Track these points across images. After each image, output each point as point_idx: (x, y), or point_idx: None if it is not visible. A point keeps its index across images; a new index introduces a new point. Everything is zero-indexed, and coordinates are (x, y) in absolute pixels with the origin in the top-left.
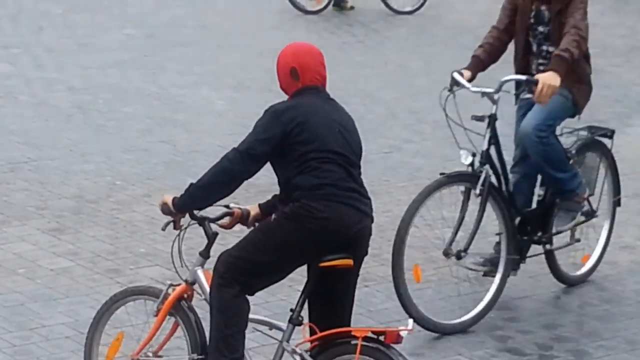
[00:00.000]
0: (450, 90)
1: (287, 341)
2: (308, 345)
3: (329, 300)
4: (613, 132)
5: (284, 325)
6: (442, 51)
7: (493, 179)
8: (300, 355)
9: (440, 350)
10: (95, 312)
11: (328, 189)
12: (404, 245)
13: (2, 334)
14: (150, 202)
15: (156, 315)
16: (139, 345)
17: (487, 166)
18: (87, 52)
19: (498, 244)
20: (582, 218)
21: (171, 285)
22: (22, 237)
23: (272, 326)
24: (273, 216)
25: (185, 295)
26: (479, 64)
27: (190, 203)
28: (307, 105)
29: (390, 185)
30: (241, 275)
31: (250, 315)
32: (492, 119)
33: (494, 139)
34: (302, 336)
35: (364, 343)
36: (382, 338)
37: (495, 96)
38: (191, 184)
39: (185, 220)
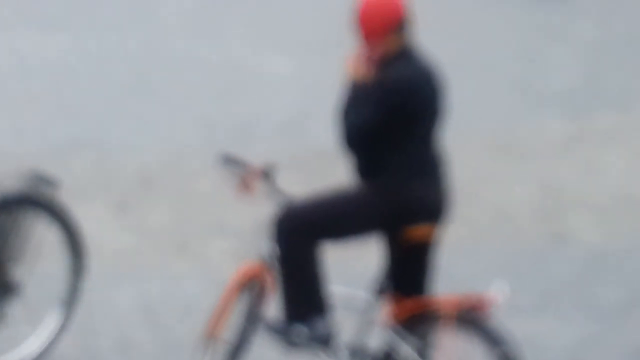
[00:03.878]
0: None
1: (371, 313)
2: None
3: (411, 266)
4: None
5: (364, 295)
6: None
7: None
8: (393, 329)
9: None
10: (163, 289)
11: None
12: None
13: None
14: (216, 173)
15: None
16: None
17: None
18: (147, 22)
19: None
20: None
21: None
22: (87, 214)
23: (352, 297)
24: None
25: None
26: None
27: None
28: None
29: (462, 143)
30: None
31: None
32: None
33: None
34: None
35: (459, 316)
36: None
37: None
38: None
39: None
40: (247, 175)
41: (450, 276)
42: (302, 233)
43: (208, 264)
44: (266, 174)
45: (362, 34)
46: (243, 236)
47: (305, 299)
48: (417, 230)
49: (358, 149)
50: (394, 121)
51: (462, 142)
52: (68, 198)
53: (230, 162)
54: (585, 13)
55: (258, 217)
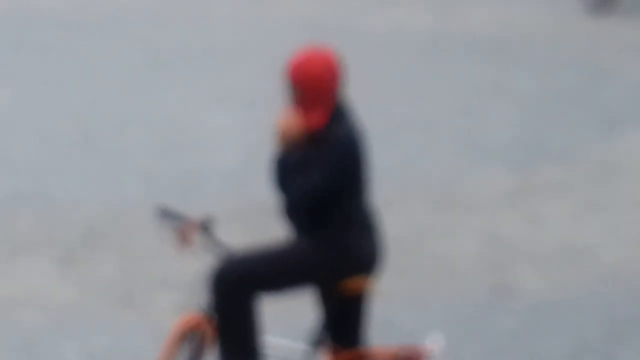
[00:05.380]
0: None
1: None
2: None
3: (346, 317)
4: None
5: (302, 346)
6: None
7: None
8: None
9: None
10: (108, 342)
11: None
12: None
13: None
14: (155, 226)
15: None
16: None
17: None
18: (91, 78)
19: None
20: None
21: None
22: (31, 268)
23: (290, 349)
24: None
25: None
26: None
27: None
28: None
29: (407, 196)
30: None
31: (265, 338)
32: None
33: None
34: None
35: None
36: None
37: None
38: None
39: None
40: (185, 228)
41: (394, 328)
42: (238, 285)
43: (153, 317)
44: (204, 227)
45: (300, 94)
46: (187, 289)
47: (239, 350)
48: (352, 283)
49: (304, 212)
50: (340, 180)
51: (406, 194)
52: (12, 252)
53: (168, 215)
54: (526, 68)
55: (200, 269)
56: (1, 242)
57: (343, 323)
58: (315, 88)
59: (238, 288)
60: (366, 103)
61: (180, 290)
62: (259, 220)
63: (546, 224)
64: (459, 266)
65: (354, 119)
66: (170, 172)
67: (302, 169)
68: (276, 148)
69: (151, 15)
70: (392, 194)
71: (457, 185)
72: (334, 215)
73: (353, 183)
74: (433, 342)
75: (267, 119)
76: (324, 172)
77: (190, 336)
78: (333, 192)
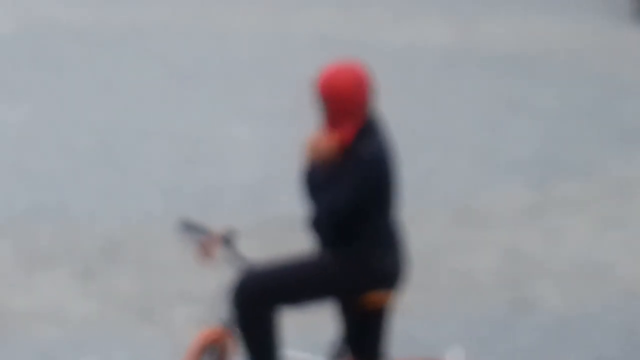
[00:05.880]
0: None
1: None
2: None
3: (367, 331)
4: None
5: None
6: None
7: None
8: None
9: None
10: (127, 356)
11: None
12: None
13: None
14: (177, 239)
15: None
16: None
17: None
18: (110, 92)
19: None
20: None
21: None
22: (51, 282)
23: None
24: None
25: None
26: None
27: None
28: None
29: (426, 211)
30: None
31: (286, 352)
32: None
33: None
34: None
35: None
36: None
37: None
38: None
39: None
40: (207, 241)
41: (413, 342)
42: (259, 298)
43: (172, 331)
44: (226, 240)
45: (335, 111)
46: (207, 302)
47: None
48: (374, 296)
49: (331, 228)
50: (367, 196)
51: (426, 209)
52: (31, 266)
53: (190, 228)
54: (545, 83)
55: (221, 283)
56: (21, 256)
57: (364, 337)
58: (343, 102)
59: (259, 301)
60: (385, 118)
61: (200, 304)
62: (277, 235)
63: (565, 240)
64: (478, 281)
65: (385, 134)
66: (189, 186)
67: (331, 183)
68: (306, 161)
69: (170, 29)
70: (412, 208)
71: (476, 200)
72: (362, 230)
73: (381, 199)
74: (453, 357)
75: (286, 133)
76: (351, 191)
77: (210, 350)
78: (361, 208)
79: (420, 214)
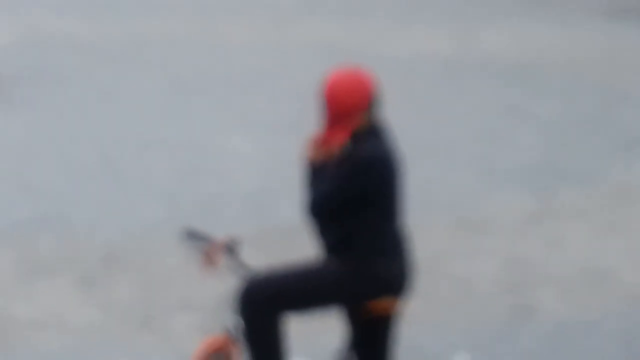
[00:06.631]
0: None
1: None
2: None
3: (373, 338)
4: None
5: None
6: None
7: None
8: None
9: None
10: None
11: None
12: None
13: None
14: (180, 248)
15: None
16: None
17: None
18: (110, 103)
19: None
20: None
21: None
22: (52, 291)
23: None
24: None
25: None
26: None
27: None
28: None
29: (428, 219)
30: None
31: (292, 359)
32: None
33: None
34: None
35: None
36: None
37: None
38: None
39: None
40: (210, 249)
41: (415, 349)
42: (265, 305)
43: (173, 339)
44: (230, 248)
45: (331, 113)
46: (208, 310)
47: None
48: (380, 303)
49: (320, 220)
50: (363, 198)
51: (427, 217)
52: (32, 274)
53: (193, 236)
54: (547, 92)
55: (223, 291)
56: (22, 265)
57: (370, 344)
58: (337, 107)
59: (265, 308)
60: (387, 123)
61: (200, 312)
62: (278, 245)
63: (567, 247)
64: (480, 288)
65: (389, 140)
66: (190, 196)
67: (323, 181)
68: (306, 160)
69: (171, 40)
70: (413, 216)
71: (478, 208)
72: (367, 237)
73: (384, 204)
74: None
75: (287, 142)
76: (339, 184)
77: (214, 358)
78: (357, 210)
79: (422, 222)
